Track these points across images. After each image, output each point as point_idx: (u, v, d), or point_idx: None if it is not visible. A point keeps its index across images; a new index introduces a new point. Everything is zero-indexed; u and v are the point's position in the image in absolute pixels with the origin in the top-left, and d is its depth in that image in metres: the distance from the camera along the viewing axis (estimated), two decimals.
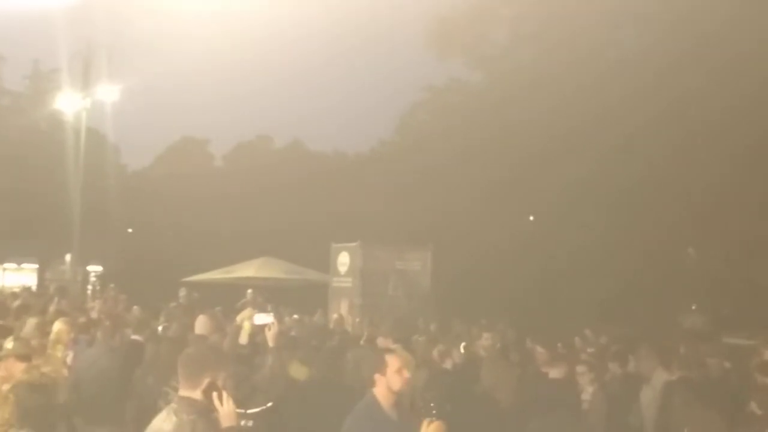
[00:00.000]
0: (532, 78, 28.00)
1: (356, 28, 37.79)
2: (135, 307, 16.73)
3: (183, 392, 4.66)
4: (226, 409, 4.69)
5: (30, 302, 15.82)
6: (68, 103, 28.80)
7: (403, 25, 34.91)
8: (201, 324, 9.24)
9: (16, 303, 15.25)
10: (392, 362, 5.82)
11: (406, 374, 5.88)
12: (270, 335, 7.95)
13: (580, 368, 9.26)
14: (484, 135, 29.21)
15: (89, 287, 32.08)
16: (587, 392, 9.15)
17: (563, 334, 14.84)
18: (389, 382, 5.77)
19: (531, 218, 30.76)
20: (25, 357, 6.92)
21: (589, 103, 25.72)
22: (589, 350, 12.96)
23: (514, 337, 14.67)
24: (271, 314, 8.60)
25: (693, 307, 23.49)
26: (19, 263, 36.78)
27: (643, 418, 9.03)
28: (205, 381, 4.65)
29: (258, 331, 8.43)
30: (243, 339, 8.39)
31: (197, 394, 4.62)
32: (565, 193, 26.09)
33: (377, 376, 5.80)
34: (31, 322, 7.68)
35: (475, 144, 29.52)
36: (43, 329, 7.98)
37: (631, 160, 24.77)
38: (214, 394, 4.66)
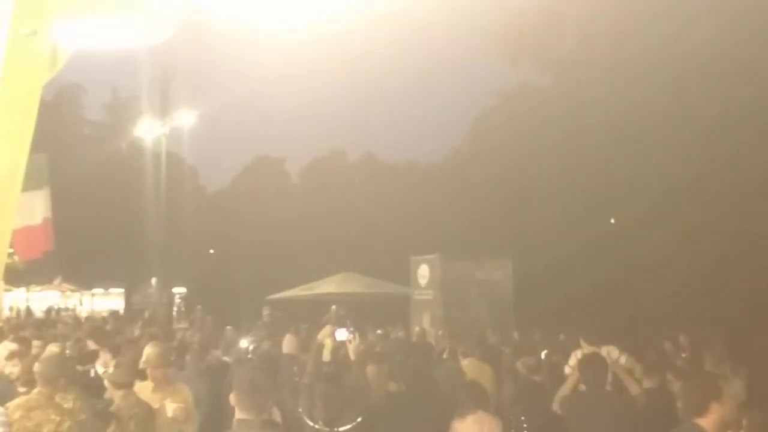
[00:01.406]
0: (605, 80, 27.58)
1: (424, 37, 37.73)
2: (228, 327, 17.06)
3: (245, 416, 4.63)
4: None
5: (119, 327, 16.20)
6: (148, 129, 29.54)
7: (472, 31, 34.73)
8: (288, 343, 9.34)
9: (108, 327, 15.64)
10: (728, 389, 5.18)
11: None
12: (351, 348, 8.01)
13: (669, 376, 9.02)
14: (557, 139, 28.87)
15: (174, 309, 32.76)
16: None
17: (653, 340, 14.54)
18: (726, 411, 5.05)
19: (612, 221, 30.22)
20: (122, 384, 7.04)
21: (665, 102, 25.21)
22: (684, 355, 12.64)
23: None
24: (351, 329, 8.67)
25: None
26: (106, 288, 37.74)
27: None
28: (270, 404, 4.72)
29: (340, 346, 8.51)
30: (326, 356, 8.48)
31: (258, 416, 4.65)
32: (647, 194, 25.59)
33: (714, 405, 5.01)
34: (153, 351, 7.66)
35: (549, 148, 29.18)
36: (166, 358, 7.91)
37: (715, 157, 24.15)
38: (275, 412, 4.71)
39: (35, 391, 6.21)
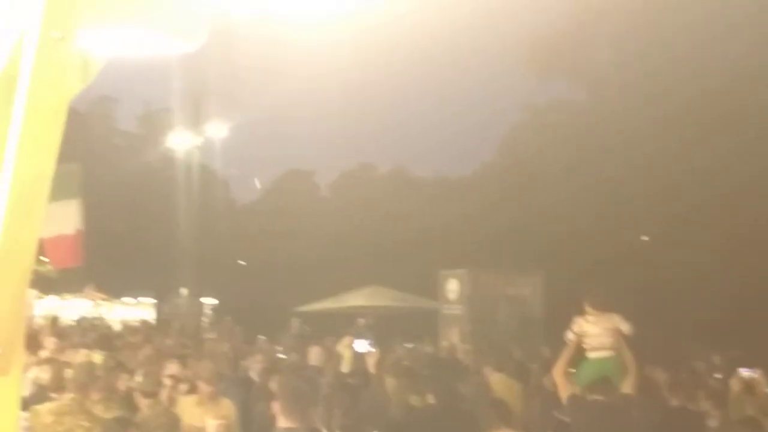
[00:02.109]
0: (636, 94, 27.40)
1: (454, 51, 37.77)
2: (261, 337, 17.19)
3: (290, 424, 4.66)
4: None
5: (150, 337, 16.27)
6: (179, 141, 29.79)
7: (502, 45, 34.70)
8: (315, 355, 9.36)
9: (138, 338, 15.72)
10: None
11: None
12: (371, 362, 8.01)
13: (698, 395, 8.92)
14: (588, 153, 28.69)
15: (204, 320, 32.88)
16: (714, 417, 8.80)
17: (684, 358, 14.38)
18: None
19: (645, 238, 29.95)
20: (149, 393, 7.07)
21: (699, 118, 24.97)
22: (717, 375, 12.49)
23: None
24: (371, 341, 8.67)
25: None
26: (136, 297, 37.90)
27: None
28: (313, 411, 4.75)
29: (360, 358, 8.50)
30: (344, 367, 8.48)
31: (302, 424, 4.68)
32: (680, 209, 25.32)
33: None
34: (209, 368, 7.51)
35: (579, 162, 29.00)
36: (218, 374, 7.69)
37: (753, 173, 23.83)
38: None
39: (68, 397, 6.25)
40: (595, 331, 8.50)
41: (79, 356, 9.21)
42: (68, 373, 6.46)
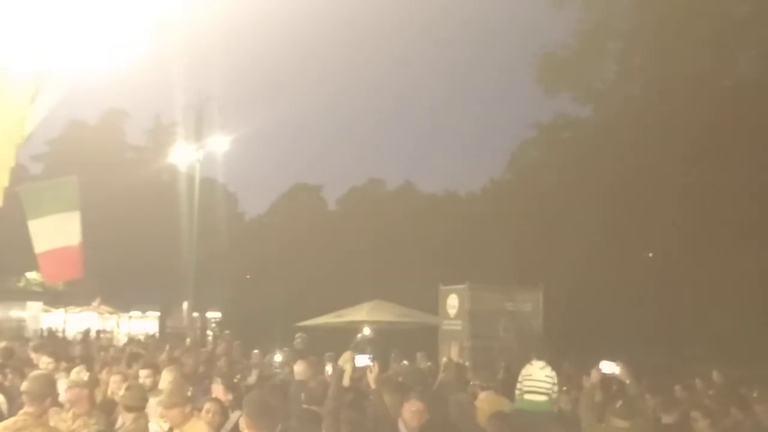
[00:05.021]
0: (643, 110, 27.35)
1: (464, 68, 38.03)
2: (255, 351, 17.15)
3: None
4: None
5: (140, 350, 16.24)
6: (189, 156, 29.83)
7: (511, 62, 34.89)
8: (300, 370, 9.38)
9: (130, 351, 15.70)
10: None
11: None
12: (371, 377, 8.01)
13: (694, 414, 8.79)
14: (596, 170, 28.65)
15: (209, 333, 32.92)
16: None
17: (685, 375, 14.29)
18: None
19: (650, 255, 29.85)
20: (132, 408, 7.06)
21: (703, 134, 24.91)
22: (710, 392, 12.37)
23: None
24: (372, 356, 8.67)
25: None
26: (144, 311, 37.99)
27: None
28: (280, 427, 4.73)
29: (361, 373, 8.50)
30: (345, 381, 8.48)
31: None
32: (684, 228, 25.23)
33: None
34: (167, 389, 6.97)
35: (587, 179, 28.96)
36: (180, 395, 6.80)
37: (757, 190, 23.74)
38: None
39: (21, 411, 6.07)
40: (538, 376, 9.14)
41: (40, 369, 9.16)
42: (24, 385, 6.29)
